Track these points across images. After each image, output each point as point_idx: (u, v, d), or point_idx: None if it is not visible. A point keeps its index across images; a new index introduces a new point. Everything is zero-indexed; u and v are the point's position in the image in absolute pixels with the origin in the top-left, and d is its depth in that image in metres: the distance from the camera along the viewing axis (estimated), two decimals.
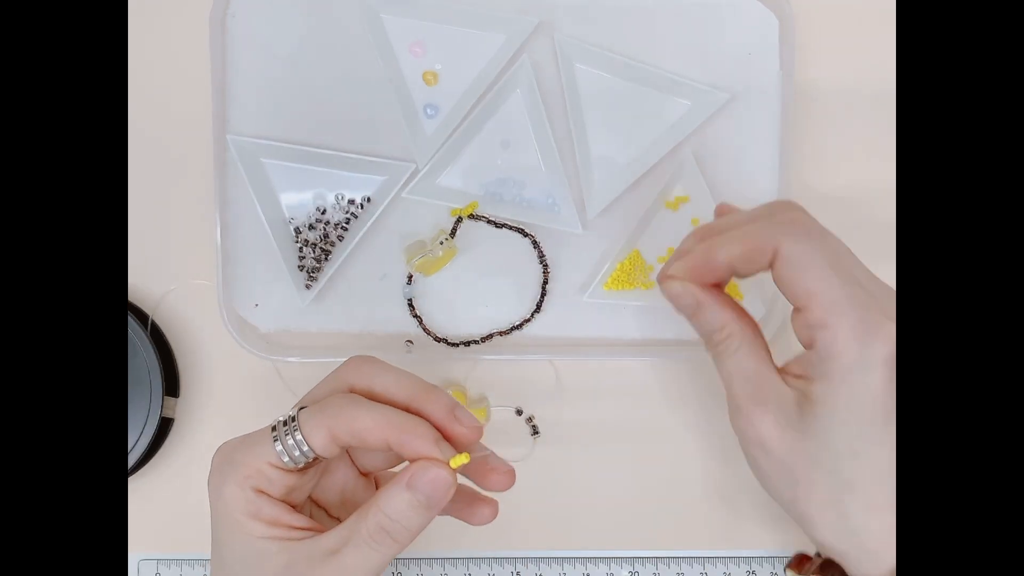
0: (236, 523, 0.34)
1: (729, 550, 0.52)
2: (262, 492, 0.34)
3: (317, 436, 0.34)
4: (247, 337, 0.50)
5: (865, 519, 0.35)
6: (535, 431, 0.52)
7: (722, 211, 0.41)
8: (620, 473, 0.52)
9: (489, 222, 0.51)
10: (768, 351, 0.38)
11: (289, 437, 0.34)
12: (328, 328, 0.51)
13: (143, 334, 0.49)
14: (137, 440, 0.49)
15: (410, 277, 0.51)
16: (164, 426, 0.50)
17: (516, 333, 0.51)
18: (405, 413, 0.34)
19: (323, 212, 0.50)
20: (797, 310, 0.35)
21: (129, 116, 0.51)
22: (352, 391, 0.36)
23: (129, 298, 0.51)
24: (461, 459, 0.33)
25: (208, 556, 0.38)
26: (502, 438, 0.52)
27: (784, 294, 0.35)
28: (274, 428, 0.34)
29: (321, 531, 0.35)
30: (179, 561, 0.52)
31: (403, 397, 0.35)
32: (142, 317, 0.50)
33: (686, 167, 0.50)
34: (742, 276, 0.37)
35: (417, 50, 0.50)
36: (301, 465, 0.34)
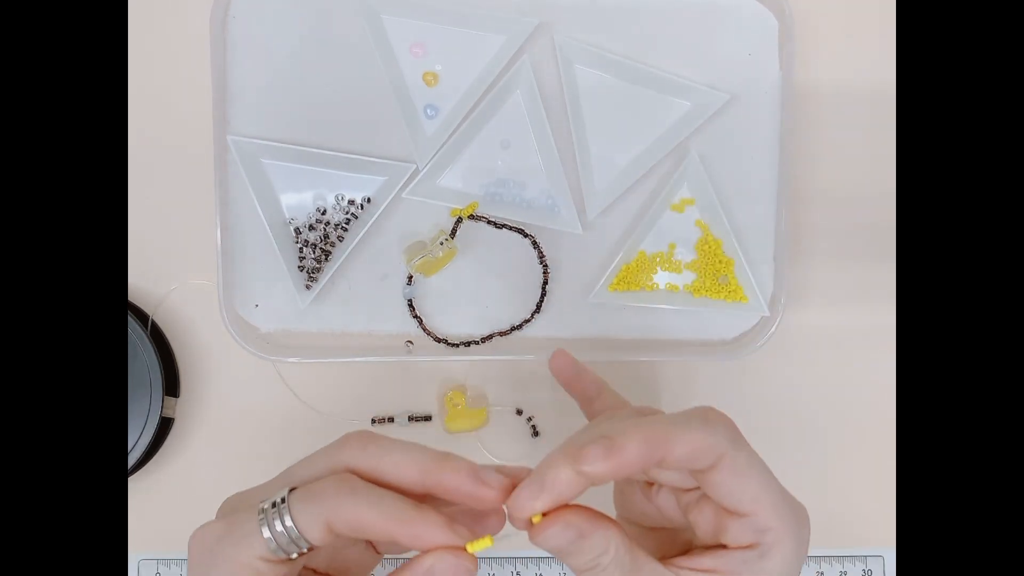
0: None
1: None
2: None
3: (313, 527, 0.30)
4: (247, 337, 0.50)
5: None
6: (535, 432, 0.52)
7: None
8: None
9: (489, 222, 0.51)
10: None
11: (278, 521, 0.30)
12: (328, 328, 0.51)
13: (143, 334, 0.49)
14: (137, 440, 0.49)
15: (410, 278, 0.51)
16: (164, 426, 0.50)
17: (516, 333, 0.51)
18: (410, 503, 0.30)
19: (323, 212, 0.50)
20: (733, 515, 0.33)
21: (130, 116, 0.51)
22: (355, 474, 0.32)
23: (129, 298, 0.51)
24: (483, 543, 0.30)
25: None
26: (502, 438, 0.52)
27: (723, 500, 0.32)
28: (261, 511, 0.30)
29: None
30: (179, 561, 0.52)
31: (415, 473, 0.31)
32: (142, 317, 0.50)
33: (691, 168, 0.50)
34: (645, 477, 0.36)
35: (417, 51, 0.50)
36: (294, 556, 0.30)
